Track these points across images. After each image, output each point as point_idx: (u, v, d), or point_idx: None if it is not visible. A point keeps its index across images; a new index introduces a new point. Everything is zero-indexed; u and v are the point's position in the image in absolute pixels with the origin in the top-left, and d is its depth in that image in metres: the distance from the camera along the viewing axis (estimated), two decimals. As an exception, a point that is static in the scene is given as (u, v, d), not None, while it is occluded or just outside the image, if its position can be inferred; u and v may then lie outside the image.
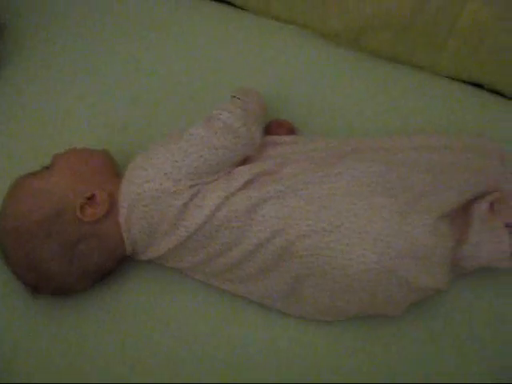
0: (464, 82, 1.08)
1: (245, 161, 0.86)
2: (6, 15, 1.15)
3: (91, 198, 0.83)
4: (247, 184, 0.81)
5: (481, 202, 0.87)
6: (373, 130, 1.04)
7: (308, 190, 0.80)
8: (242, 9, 1.16)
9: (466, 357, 0.88)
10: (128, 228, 0.82)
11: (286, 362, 0.88)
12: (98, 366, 0.88)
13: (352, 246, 0.77)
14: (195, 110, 1.04)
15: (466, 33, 0.98)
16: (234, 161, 0.84)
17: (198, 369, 0.88)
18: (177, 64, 1.11)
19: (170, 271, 0.90)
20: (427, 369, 0.88)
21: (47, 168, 0.87)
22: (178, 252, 0.84)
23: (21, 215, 0.82)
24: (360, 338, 0.89)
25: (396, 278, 0.78)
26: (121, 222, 0.82)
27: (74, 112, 1.07)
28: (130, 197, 0.81)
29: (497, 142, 0.95)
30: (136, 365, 0.88)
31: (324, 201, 0.79)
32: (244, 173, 0.82)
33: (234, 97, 0.90)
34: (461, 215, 0.86)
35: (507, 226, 0.86)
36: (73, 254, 0.82)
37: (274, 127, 0.98)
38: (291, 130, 0.99)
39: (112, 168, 0.91)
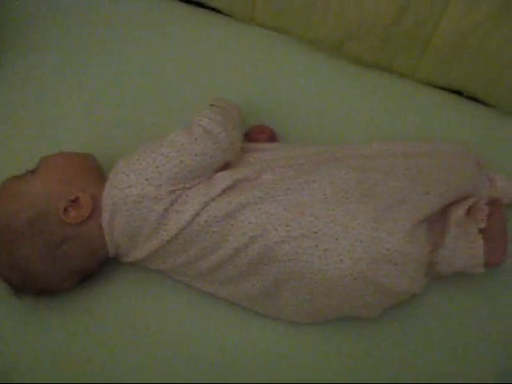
0: (444, 89, 1.09)
1: (225, 166, 0.86)
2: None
3: (75, 201, 0.83)
4: (227, 190, 0.81)
5: (458, 207, 0.87)
6: (354, 136, 1.04)
7: (287, 196, 0.81)
8: (228, 16, 1.16)
9: (444, 358, 0.89)
10: (111, 231, 0.83)
11: (268, 363, 0.89)
12: (81, 367, 0.88)
13: (329, 251, 0.78)
14: (182, 115, 1.02)
15: (444, 42, 0.99)
16: (215, 166, 0.84)
17: (182, 370, 0.88)
18: (165, 69, 1.11)
19: (153, 273, 0.90)
20: (409, 370, 0.89)
21: (33, 171, 0.87)
22: (160, 255, 0.84)
23: (5, 216, 0.82)
24: (342, 341, 0.90)
25: (372, 283, 0.79)
26: (103, 225, 0.83)
27: (64, 114, 1.06)
28: (112, 201, 0.81)
29: (473, 148, 0.96)
30: (119, 366, 0.88)
31: (302, 207, 0.80)
32: (224, 179, 0.82)
33: (213, 105, 0.90)
34: (439, 219, 0.87)
35: (480, 231, 0.86)
36: (56, 255, 0.83)
37: (255, 133, 0.98)
38: (272, 136, 1.00)
39: (97, 172, 0.91)
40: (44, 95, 1.08)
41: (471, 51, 0.98)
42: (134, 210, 0.80)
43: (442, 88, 1.09)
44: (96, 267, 0.89)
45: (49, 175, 0.86)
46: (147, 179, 0.80)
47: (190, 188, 0.81)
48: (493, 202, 0.89)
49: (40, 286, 0.86)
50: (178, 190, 0.80)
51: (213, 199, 0.80)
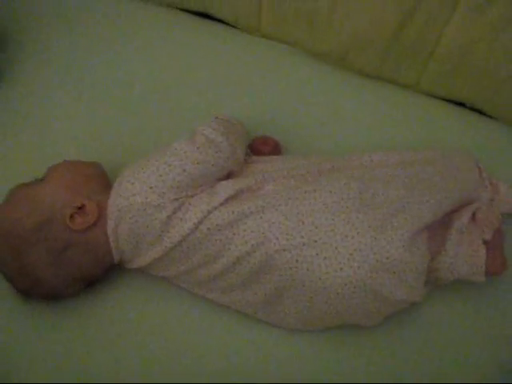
0: (447, 100, 1.08)
1: (228, 176, 0.87)
2: (8, 28, 1.16)
3: (81, 208, 0.84)
4: (229, 199, 0.82)
5: (462, 214, 0.87)
6: (358, 147, 1.03)
7: (287, 206, 0.81)
8: (234, 27, 1.16)
9: (443, 366, 0.88)
10: (115, 238, 0.83)
11: (268, 369, 0.88)
12: (83, 372, 0.88)
13: (329, 259, 0.78)
14: (186, 124, 1.01)
15: (446, 54, 0.98)
16: (217, 175, 0.85)
17: (184, 375, 0.87)
18: (169, 78, 1.11)
19: (157, 279, 0.90)
20: (408, 378, 0.87)
21: (41, 179, 0.88)
22: (164, 262, 0.84)
23: (13, 222, 0.83)
24: (342, 349, 0.89)
25: (372, 292, 0.78)
26: (108, 232, 0.83)
27: (70, 122, 1.07)
28: (117, 209, 0.82)
29: (473, 154, 0.95)
30: (121, 371, 0.88)
31: (303, 216, 0.80)
32: (227, 188, 0.83)
33: (217, 117, 0.91)
34: (442, 225, 0.86)
35: (484, 242, 0.85)
36: (61, 261, 0.83)
37: (258, 144, 0.99)
38: (276, 147, 1.00)
39: (103, 179, 0.91)
40: (49, 102, 1.09)
41: (474, 63, 0.98)
42: (138, 218, 0.81)
43: (445, 99, 1.08)
44: (101, 273, 0.89)
45: (56, 183, 0.86)
46: (151, 187, 0.80)
47: (192, 196, 0.82)
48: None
49: (45, 291, 0.86)
50: (180, 198, 0.81)
51: (215, 208, 0.80)
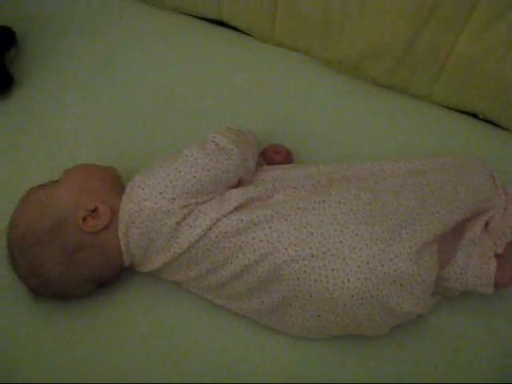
0: (459, 111, 1.07)
1: (238, 184, 0.86)
2: (22, 31, 1.16)
3: (94, 211, 0.84)
4: (239, 207, 0.81)
5: (475, 224, 0.85)
6: (369, 156, 1.02)
7: (297, 216, 0.80)
8: (248, 34, 1.16)
9: (448, 377, 0.87)
10: (126, 242, 0.83)
11: (273, 375, 0.87)
12: (89, 372, 0.88)
13: (337, 271, 0.77)
14: (198, 131, 1.03)
15: (459, 65, 0.97)
16: (227, 183, 0.84)
17: (189, 378, 0.87)
18: (182, 85, 1.11)
19: (167, 283, 0.89)
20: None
21: (56, 181, 0.88)
22: (173, 267, 0.84)
23: (26, 222, 0.83)
24: (341, 355, 0.88)
25: (378, 303, 0.77)
26: (119, 236, 0.83)
27: (83, 127, 1.07)
28: (128, 213, 0.81)
29: (486, 162, 0.93)
30: (127, 373, 0.87)
31: (312, 227, 0.79)
32: (237, 196, 0.82)
33: (229, 127, 0.91)
34: (453, 234, 0.85)
35: (496, 254, 0.84)
36: (73, 262, 0.83)
37: (270, 152, 0.98)
38: (288, 156, 0.99)
39: (117, 184, 0.91)
40: (62, 106, 1.09)
41: (486, 74, 0.96)
42: (148, 223, 0.80)
43: (457, 110, 1.07)
44: (111, 276, 0.89)
45: (71, 185, 0.87)
46: (161, 193, 0.80)
47: (202, 203, 0.81)
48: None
49: (56, 291, 0.86)
50: (190, 204, 0.80)
51: (224, 216, 0.80)
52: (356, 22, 0.99)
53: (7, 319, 0.91)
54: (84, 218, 0.83)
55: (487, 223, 0.86)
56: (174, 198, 0.80)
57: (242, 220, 0.80)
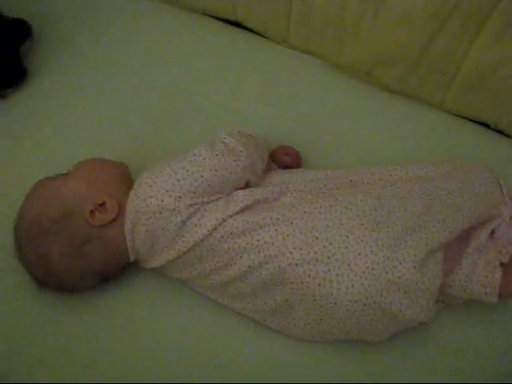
0: (470, 120, 1.06)
1: (246, 186, 0.86)
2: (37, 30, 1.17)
3: (102, 205, 0.84)
4: (245, 209, 0.81)
5: (480, 232, 0.85)
6: (378, 161, 1.01)
7: (303, 220, 0.79)
8: (261, 36, 1.15)
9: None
10: (132, 238, 0.83)
11: (273, 377, 0.86)
12: (88, 367, 0.87)
13: (341, 276, 0.76)
14: (208, 130, 1.04)
15: (471, 74, 0.96)
16: (234, 184, 0.83)
17: (190, 377, 0.86)
18: (195, 84, 1.11)
19: (173, 281, 0.89)
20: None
21: (66, 174, 0.88)
22: (177, 265, 0.84)
23: (34, 213, 0.83)
24: (342, 359, 0.87)
25: (381, 310, 0.77)
26: (125, 231, 0.82)
27: (93, 123, 1.07)
28: (134, 210, 0.81)
29: (493, 170, 0.92)
30: (130, 369, 0.87)
31: (317, 231, 0.78)
32: (243, 197, 0.81)
33: (240, 131, 0.90)
34: (459, 241, 0.84)
35: (501, 264, 0.83)
36: (78, 254, 0.83)
37: (279, 154, 0.97)
38: (297, 158, 0.98)
39: (127, 180, 0.91)
40: (73, 104, 1.09)
41: (498, 84, 0.95)
42: (154, 220, 0.80)
43: (468, 119, 1.06)
44: (116, 270, 0.88)
45: (80, 178, 0.87)
46: (167, 191, 0.79)
47: (208, 203, 0.81)
48: None
49: (60, 282, 0.86)
50: (196, 203, 0.80)
51: (230, 216, 0.79)
52: (370, 28, 0.98)
53: (11, 312, 0.91)
54: (91, 212, 0.82)
55: (493, 231, 0.86)
56: (180, 197, 0.79)
57: (247, 221, 0.79)
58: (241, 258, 0.79)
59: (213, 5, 1.15)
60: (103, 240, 0.83)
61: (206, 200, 0.80)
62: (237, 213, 0.80)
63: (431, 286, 0.78)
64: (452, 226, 0.81)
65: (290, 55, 1.13)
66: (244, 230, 0.79)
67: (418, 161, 0.99)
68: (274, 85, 1.10)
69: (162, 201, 0.79)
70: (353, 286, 0.76)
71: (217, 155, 0.82)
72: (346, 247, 0.77)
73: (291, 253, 0.77)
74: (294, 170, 0.93)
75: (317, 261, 0.76)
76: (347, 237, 0.78)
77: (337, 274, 0.76)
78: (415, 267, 0.76)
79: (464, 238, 0.84)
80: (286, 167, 0.96)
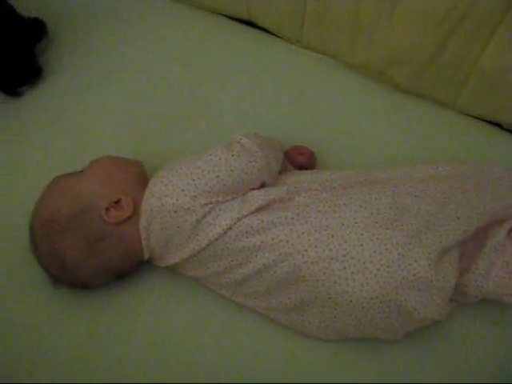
0: (484, 120, 1.05)
1: (261, 187, 0.85)
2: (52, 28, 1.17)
3: (117, 202, 0.84)
4: (260, 208, 0.81)
5: (498, 231, 0.84)
6: (392, 161, 1.01)
7: (318, 219, 0.79)
8: (275, 35, 1.15)
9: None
10: (147, 236, 0.83)
11: (289, 374, 0.86)
12: (104, 364, 0.87)
13: (356, 274, 0.76)
14: (222, 129, 1.04)
15: (484, 74, 0.95)
16: (250, 185, 0.83)
17: (201, 375, 0.86)
18: (208, 83, 1.11)
19: (187, 278, 0.89)
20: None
21: (82, 171, 0.89)
22: (192, 263, 0.84)
23: (51, 209, 0.83)
24: (356, 358, 0.86)
25: (396, 308, 0.77)
26: (140, 229, 0.83)
27: (107, 121, 1.08)
28: (149, 208, 0.81)
29: (508, 168, 0.92)
30: (143, 367, 0.87)
31: (333, 230, 0.78)
32: (258, 197, 0.81)
33: (256, 133, 0.90)
34: (475, 240, 0.84)
35: None
36: (93, 250, 0.83)
37: (293, 153, 0.97)
38: (311, 157, 0.98)
39: (142, 178, 0.90)
40: (88, 102, 1.09)
41: (511, 85, 0.95)
42: (169, 219, 0.80)
43: (482, 119, 1.05)
44: (130, 268, 0.88)
45: (96, 176, 0.87)
46: (183, 190, 0.79)
47: (223, 202, 0.80)
48: None
49: (74, 279, 0.86)
50: (211, 203, 0.79)
51: (245, 216, 0.79)
52: (385, 28, 0.98)
53: (23, 309, 0.91)
54: (107, 209, 0.83)
55: (510, 231, 0.85)
56: (195, 196, 0.79)
57: (262, 220, 0.79)
58: (256, 256, 0.79)
59: (227, 4, 1.15)
60: (118, 237, 0.83)
61: (220, 200, 0.80)
62: (252, 212, 0.80)
63: (446, 284, 0.77)
64: (467, 225, 0.81)
65: (304, 55, 1.13)
66: (259, 228, 0.78)
67: (431, 160, 1.00)
68: (288, 84, 1.09)
69: (178, 200, 0.79)
70: (368, 283, 0.75)
71: (233, 155, 0.81)
72: (361, 245, 0.77)
73: (306, 251, 0.77)
74: (309, 171, 0.93)
75: (332, 259, 0.76)
76: (362, 235, 0.77)
77: (352, 272, 0.76)
78: (430, 265, 0.76)
79: (480, 237, 0.84)
80: (300, 167, 0.96)
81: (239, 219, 0.79)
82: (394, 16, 0.95)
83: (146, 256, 0.85)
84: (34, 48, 1.11)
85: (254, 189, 0.83)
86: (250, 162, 0.82)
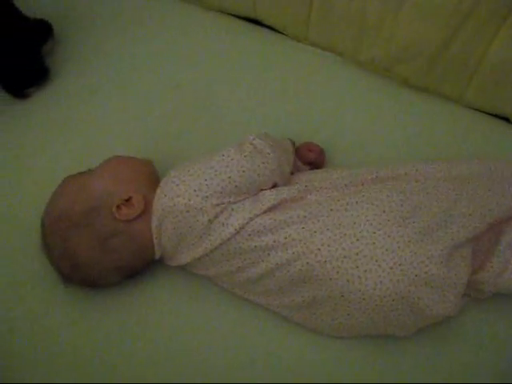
0: (491, 114, 1.05)
1: (272, 187, 0.85)
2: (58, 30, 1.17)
3: (128, 200, 0.84)
4: (272, 208, 0.80)
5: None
6: (401, 157, 1.01)
7: (330, 217, 0.79)
8: (282, 34, 1.15)
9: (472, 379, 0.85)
10: (159, 235, 0.83)
11: (302, 372, 0.86)
12: (114, 363, 0.87)
13: (369, 272, 0.76)
14: (230, 128, 1.04)
15: (490, 69, 0.95)
16: (262, 186, 0.83)
17: (219, 372, 0.86)
18: (215, 82, 1.11)
19: (199, 277, 0.89)
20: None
21: (92, 170, 0.89)
22: (204, 262, 0.83)
23: (62, 206, 0.84)
24: (369, 354, 0.86)
25: (409, 305, 0.77)
26: (152, 228, 0.83)
27: (115, 122, 1.08)
28: (161, 207, 0.81)
29: None
30: (154, 366, 0.87)
31: (345, 228, 0.78)
32: (270, 197, 0.81)
33: (267, 133, 0.89)
34: (489, 236, 0.83)
35: None
36: (104, 247, 0.83)
37: (303, 150, 0.97)
38: (320, 154, 0.98)
39: (153, 177, 0.91)
40: (95, 103, 1.09)
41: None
42: (181, 218, 0.80)
43: (489, 114, 1.05)
44: (141, 267, 0.88)
45: (107, 174, 0.87)
46: (195, 190, 0.79)
47: (235, 203, 0.80)
48: None
49: (85, 277, 0.86)
50: (223, 203, 0.79)
51: (257, 215, 0.79)
52: (391, 23, 0.98)
53: (33, 308, 0.91)
54: (118, 206, 0.83)
55: None
56: (207, 196, 0.79)
57: (274, 220, 0.79)
58: (268, 255, 0.79)
59: (233, 3, 1.15)
60: (129, 235, 0.83)
61: (232, 200, 0.80)
62: (264, 212, 0.79)
63: (458, 281, 0.77)
64: (479, 221, 0.81)
65: (311, 53, 1.13)
66: (271, 228, 0.78)
67: (440, 156, 1.00)
68: (295, 82, 1.09)
69: (190, 200, 0.79)
70: (381, 281, 0.75)
71: (245, 156, 0.81)
72: (374, 243, 0.76)
73: (319, 250, 0.77)
74: (319, 170, 0.93)
75: (345, 257, 0.76)
76: (374, 233, 0.77)
77: (365, 270, 0.76)
78: (442, 262, 0.76)
79: (494, 233, 0.84)
80: (310, 163, 0.96)
81: (251, 219, 0.79)
82: (401, 12, 0.95)
83: (158, 255, 0.85)
84: (40, 49, 1.11)
85: (265, 189, 0.83)
86: (263, 163, 0.81)
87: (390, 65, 1.04)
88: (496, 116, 1.05)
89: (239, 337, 0.88)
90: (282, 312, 0.86)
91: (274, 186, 0.85)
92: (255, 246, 0.79)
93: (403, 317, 0.78)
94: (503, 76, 0.95)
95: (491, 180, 0.87)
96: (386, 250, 0.76)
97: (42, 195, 0.87)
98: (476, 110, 1.05)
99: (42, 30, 1.12)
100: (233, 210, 0.79)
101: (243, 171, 0.80)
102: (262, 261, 0.79)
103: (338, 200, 0.81)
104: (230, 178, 0.79)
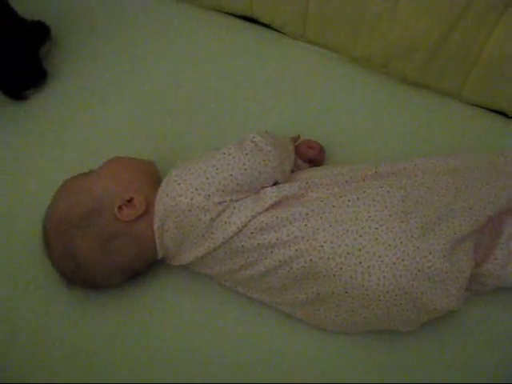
0: (489, 109, 1.05)
1: (273, 185, 0.85)
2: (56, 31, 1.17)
3: (130, 201, 0.83)
4: (274, 205, 0.80)
5: None
6: (400, 153, 1.00)
7: (332, 214, 0.79)
8: (278, 31, 1.15)
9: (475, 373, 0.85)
10: (161, 235, 0.82)
11: (306, 368, 0.85)
12: (117, 362, 0.87)
13: (372, 268, 0.75)
14: (230, 126, 1.04)
15: (488, 64, 0.95)
16: (263, 184, 0.82)
17: (223, 371, 0.86)
18: (214, 80, 1.10)
19: (201, 276, 0.88)
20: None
21: (93, 171, 0.89)
22: (206, 261, 0.83)
23: (64, 208, 0.83)
24: (371, 350, 0.86)
25: (412, 299, 0.76)
26: (154, 228, 0.82)
27: (114, 122, 1.07)
28: (163, 207, 0.81)
29: None
30: (157, 365, 0.86)
31: (347, 224, 0.78)
32: (272, 194, 0.81)
33: (267, 131, 0.89)
34: (491, 229, 0.84)
35: None
36: (106, 248, 0.83)
37: (303, 148, 0.97)
38: (320, 151, 0.98)
39: (155, 178, 0.90)
40: (94, 104, 1.09)
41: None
42: (184, 218, 0.79)
43: (487, 109, 1.05)
44: (144, 267, 0.88)
45: (108, 175, 0.87)
46: (197, 189, 0.79)
47: (237, 201, 0.80)
48: None
49: (87, 278, 0.86)
50: (225, 202, 0.79)
51: (259, 213, 0.79)
52: (388, 20, 0.97)
53: (37, 310, 0.91)
54: (119, 207, 0.82)
55: None
56: (209, 195, 0.79)
57: (277, 217, 0.78)
58: (271, 253, 0.78)
59: (229, 2, 1.15)
60: (131, 236, 0.83)
61: (234, 198, 0.80)
62: (266, 209, 0.79)
63: (461, 275, 0.77)
64: (479, 214, 0.80)
65: (308, 50, 1.13)
66: (274, 225, 0.78)
67: (439, 151, 0.99)
68: (293, 80, 1.09)
69: (192, 199, 0.78)
70: (384, 277, 0.75)
71: (246, 154, 0.81)
72: (376, 239, 0.76)
73: (322, 246, 0.77)
74: (319, 167, 0.93)
75: (348, 254, 0.76)
76: (376, 229, 0.77)
77: (368, 266, 0.75)
78: (444, 256, 0.76)
79: (496, 226, 0.84)
80: (309, 161, 0.96)
81: (254, 217, 0.78)
82: (398, 7, 0.95)
83: (160, 255, 0.85)
84: (37, 51, 1.10)
85: (266, 186, 0.83)
86: (264, 161, 0.81)
87: (387, 61, 1.04)
88: (494, 111, 1.04)
89: (243, 335, 0.87)
90: (286, 309, 0.85)
91: (275, 183, 0.84)
92: (258, 244, 0.78)
93: (406, 312, 0.78)
94: (501, 71, 0.95)
95: (489, 173, 0.86)
96: (389, 245, 0.76)
97: (42, 196, 0.87)
98: (474, 105, 1.05)
99: (39, 32, 1.12)
100: (235, 208, 0.79)
101: (245, 169, 0.80)
102: (265, 258, 0.79)
103: (340, 196, 0.81)
104: (231, 175, 0.79)
